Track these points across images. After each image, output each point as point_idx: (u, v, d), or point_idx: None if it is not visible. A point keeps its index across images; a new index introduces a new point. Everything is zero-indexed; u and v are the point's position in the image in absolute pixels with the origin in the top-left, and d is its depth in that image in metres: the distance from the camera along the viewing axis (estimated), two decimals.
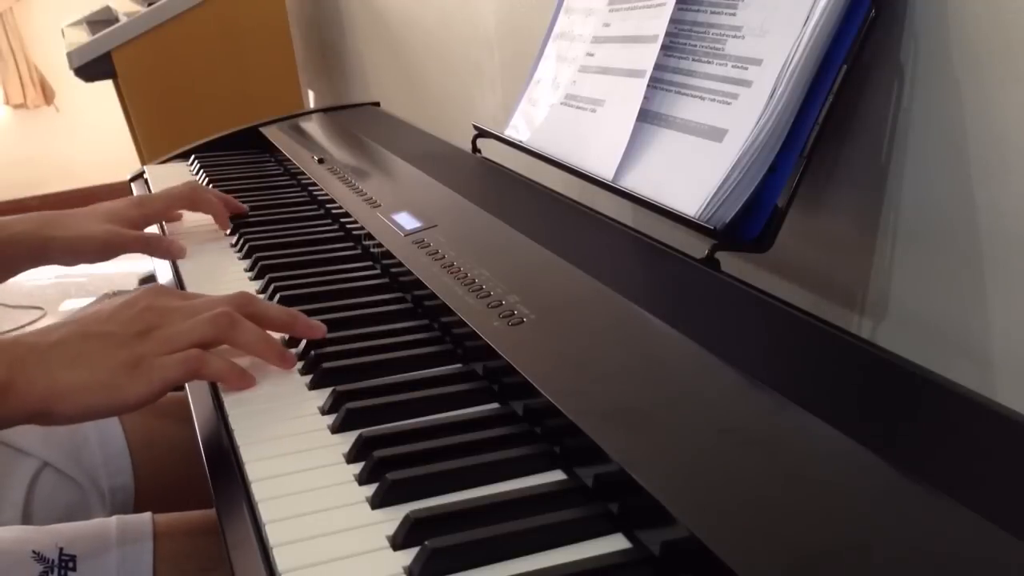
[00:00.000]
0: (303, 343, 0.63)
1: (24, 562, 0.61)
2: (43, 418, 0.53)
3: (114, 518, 0.66)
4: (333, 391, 0.56)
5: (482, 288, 0.62)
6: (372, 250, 0.81)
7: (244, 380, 0.58)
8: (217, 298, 0.61)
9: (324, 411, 0.55)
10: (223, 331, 0.58)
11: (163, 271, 0.86)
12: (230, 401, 0.57)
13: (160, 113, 2.06)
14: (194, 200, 0.90)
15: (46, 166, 3.70)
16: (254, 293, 0.66)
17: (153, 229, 0.92)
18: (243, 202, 0.95)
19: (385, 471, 0.46)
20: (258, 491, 0.47)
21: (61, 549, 0.62)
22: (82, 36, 2.14)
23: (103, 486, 0.79)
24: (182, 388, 0.62)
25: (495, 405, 0.55)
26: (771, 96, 0.62)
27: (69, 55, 2.01)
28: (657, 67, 0.74)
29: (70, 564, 0.61)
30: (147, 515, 0.67)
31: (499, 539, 0.41)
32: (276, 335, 0.63)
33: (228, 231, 0.91)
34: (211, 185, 1.07)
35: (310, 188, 1.03)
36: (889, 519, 0.36)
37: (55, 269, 0.84)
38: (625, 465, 0.41)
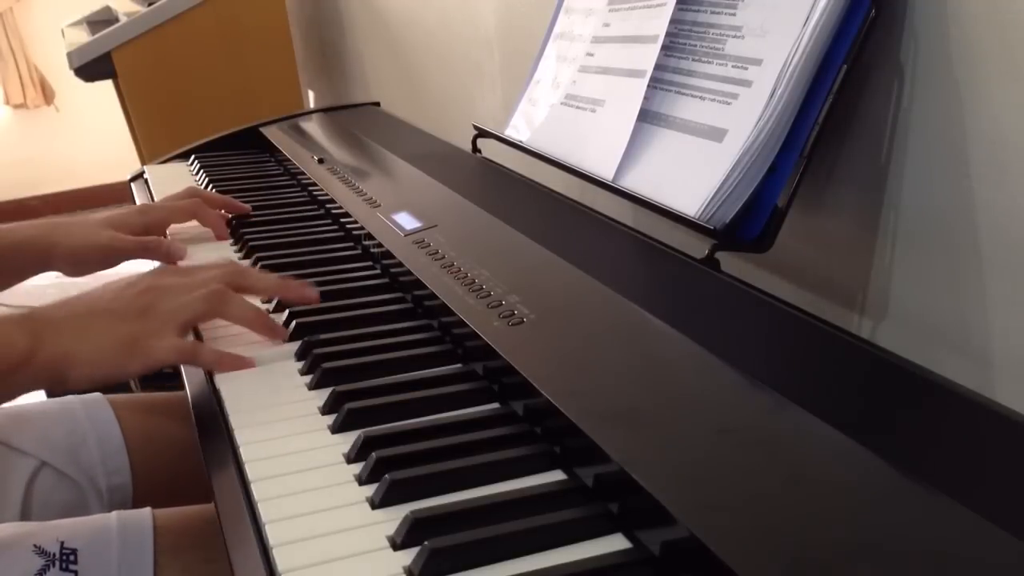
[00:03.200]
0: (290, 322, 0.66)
1: (25, 556, 0.61)
2: (59, 384, 0.60)
3: (114, 513, 0.67)
4: (333, 391, 0.56)
5: (482, 288, 0.62)
6: (372, 250, 0.81)
7: (238, 363, 0.61)
8: (211, 270, 0.66)
9: (324, 411, 0.55)
10: (215, 307, 0.63)
11: None
12: (230, 401, 0.57)
13: (160, 113, 2.05)
14: (197, 215, 0.90)
15: (46, 166, 3.70)
16: (240, 263, 0.72)
17: None
18: (243, 202, 0.95)
19: (385, 471, 0.46)
20: (258, 491, 0.47)
21: (62, 543, 0.62)
22: (82, 36, 2.14)
23: (101, 485, 0.79)
24: (181, 385, 0.63)
25: (495, 405, 0.55)
26: (771, 96, 0.62)
27: (69, 55, 2.01)
28: (657, 67, 0.73)
29: (71, 558, 0.62)
30: (147, 509, 0.67)
31: (499, 539, 0.41)
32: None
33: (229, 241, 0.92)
34: (211, 185, 1.07)
35: (310, 188, 1.03)
36: (889, 519, 0.36)
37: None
38: (625, 465, 0.41)
